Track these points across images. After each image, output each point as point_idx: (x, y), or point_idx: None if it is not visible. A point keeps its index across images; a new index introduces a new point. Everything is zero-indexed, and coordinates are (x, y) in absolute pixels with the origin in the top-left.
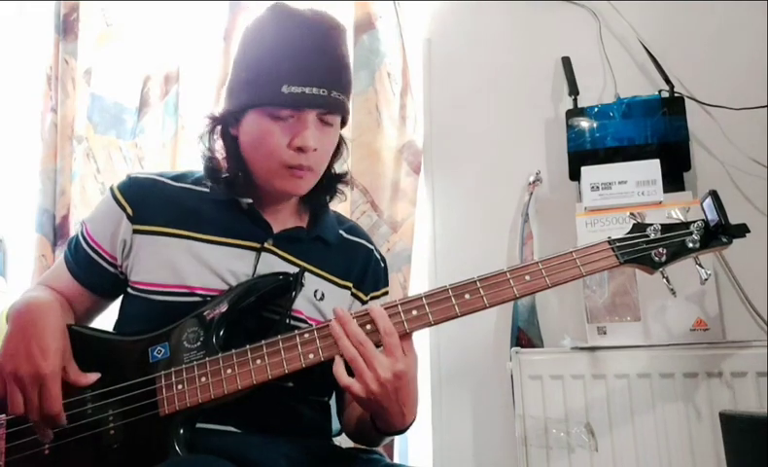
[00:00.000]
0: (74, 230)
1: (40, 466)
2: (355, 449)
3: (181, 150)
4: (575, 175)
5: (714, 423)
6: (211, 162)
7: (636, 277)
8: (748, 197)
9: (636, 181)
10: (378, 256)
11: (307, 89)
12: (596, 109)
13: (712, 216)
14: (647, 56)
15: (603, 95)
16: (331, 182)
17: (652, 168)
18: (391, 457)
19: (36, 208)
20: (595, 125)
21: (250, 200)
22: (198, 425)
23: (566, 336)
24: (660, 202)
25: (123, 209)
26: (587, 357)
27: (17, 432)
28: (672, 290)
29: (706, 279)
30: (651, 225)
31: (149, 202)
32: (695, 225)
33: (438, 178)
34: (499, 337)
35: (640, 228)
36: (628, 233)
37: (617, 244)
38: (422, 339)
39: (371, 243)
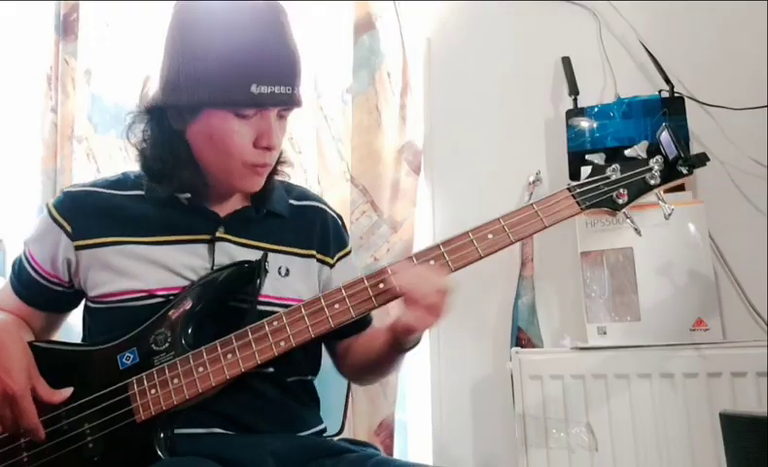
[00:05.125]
0: None
1: None
2: (347, 441)
3: None
4: (575, 175)
5: (714, 423)
6: (148, 159)
7: (636, 277)
8: (748, 196)
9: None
10: (334, 214)
11: (275, 88)
12: (596, 109)
13: (670, 149)
14: (647, 56)
15: (603, 95)
16: (275, 165)
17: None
18: (391, 455)
19: (36, 208)
20: (595, 124)
21: (188, 195)
22: (182, 431)
23: (566, 336)
24: None
25: (62, 227)
26: (587, 357)
27: None
28: (636, 230)
29: (669, 214)
30: (610, 165)
31: (88, 215)
32: (654, 159)
33: (438, 178)
34: (499, 337)
35: (599, 170)
36: (588, 177)
37: (578, 190)
38: (422, 338)
39: (323, 203)
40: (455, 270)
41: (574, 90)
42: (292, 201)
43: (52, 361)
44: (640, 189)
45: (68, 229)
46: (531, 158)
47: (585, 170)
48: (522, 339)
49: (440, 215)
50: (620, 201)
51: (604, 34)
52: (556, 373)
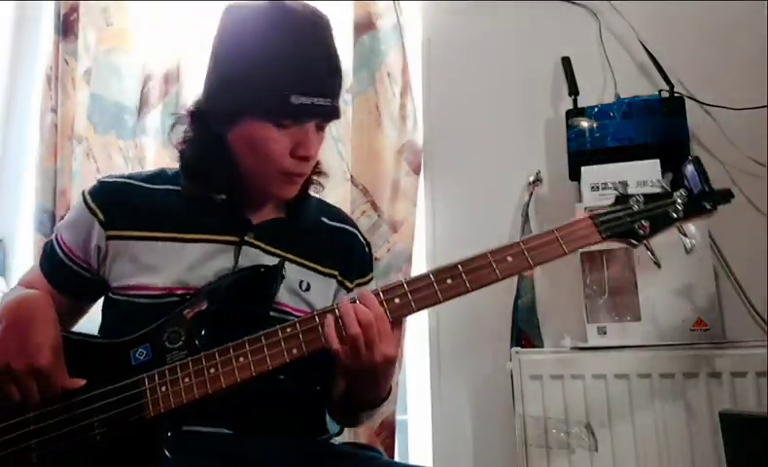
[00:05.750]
0: None
1: None
2: (352, 445)
3: None
4: (575, 175)
5: (714, 423)
6: (188, 159)
7: (636, 277)
8: (748, 196)
9: (636, 181)
10: (363, 241)
11: (315, 100)
12: (596, 109)
13: (694, 183)
14: (647, 56)
15: (603, 95)
16: (310, 175)
17: (652, 168)
18: (391, 457)
19: (36, 208)
20: (595, 124)
21: (224, 196)
22: (190, 428)
23: (566, 336)
24: None
25: (95, 215)
26: (587, 357)
27: (5, 440)
28: (656, 262)
29: (690, 249)
30: (633, 196)
31: (121, 206)
32: (678, 193)
33: (438, 178)
34: (499, 337)
35: (622, 200)
36: (610, 206)
37: (600, 219)
38: (422, 338)
39: (356, 227)
40: (471, 291)
41: (574, 90)
42: (324, 219)
43: (67, 349)
44: (662, 222)
45: (101, 217)
46: (531, 158)
47: (585, 170)
48: (522, 339)
49: (440, 215)
50: (641, 233)
51: (604, 34)
52: (556, 373)
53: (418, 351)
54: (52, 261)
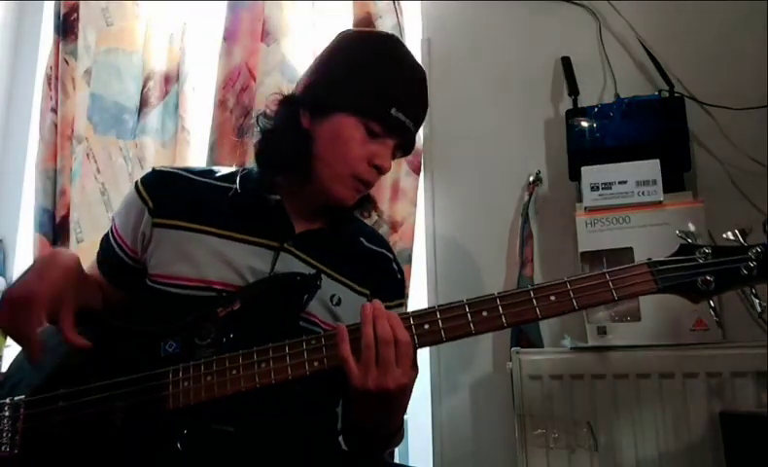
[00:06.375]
0: (73, 229)
1: (50, 447)
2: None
3: (181, 150)
4: (575, 175)
5: (714, 423)
6: (270, 148)
7: None
8: (748, 196)
9: (636, 181)
10: (396, 267)
11: (407, 121)
12: (596, 109)
13: None
14: (647, 56)
15: (603, 95)
16: (364, 198)
17: (652, 168)
18: (391, 457)
19: (36, 208)
20: (595, 124)
21: (278, 197)
22: (200, 424)
23: (566, 336)
24: (660, 202)
25: (145, 202)
26: (587, 357)
27: (35, 414)
28: (719, 323)
29: (761, 313)
30: (701, 247)
31: (170, 196)
32: (754, 250)
33: (438, 178)
34: (499, 337)
35: (687, 250)
36: (673, 255)
37: (659, 268)
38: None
39: (391, 252)
40: (507, 327)
41: (574, 90)
42: (363, 240)
43: (99, 331)
44: (731, 280)
45: (150, 204)
46: (531, 158)
47: (585, 170)
48: (522, 339)
49: (440, 215)
50: (704, 289)
51: (604, 34)
52: (556, 373)
53: (418, 351)
54: (106, 248)
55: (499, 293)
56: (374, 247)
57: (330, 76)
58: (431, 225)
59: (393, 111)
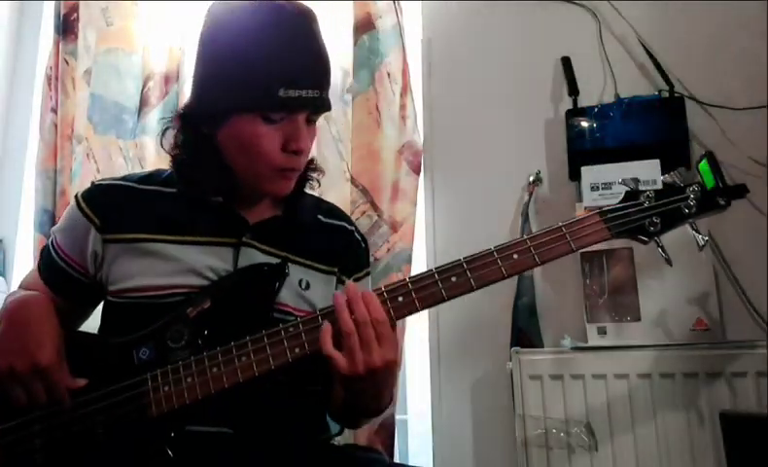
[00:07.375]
0: None
1: None
2: (354, 447)
3: None
4: (575, 175)
5: (714, 423)
6: (181, 164)
7: (636, 277)
8: (748, 196)
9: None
10: (359, 237)
11: (303, 92)
12: (596, 109)
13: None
14: (647, 56)
15: (603, 95)
16: (305, 171)
17: (652, 168)
18: (391, 457)
19: (36, 208)
20: (595, 124)
21: (220, 199)
22: (191, 428)
23: (566, 336)
24: None
25: (91, 220)
26: (587, 357)
27: (9, 441)
28: (667, 259)
29: (703, 246)
30: (645, 192)
31: (117, 210)
32: (691, 188)
33: (438, 178)
34: (499, 337)
35: (633, 196)
36: (620, 203)
37: (609, 215)
38: (422, 338)
39: (352, 224)
40: (476, 289)
41: (574, 90)
42: (320, 217)
43: (70, 347)
44: (674, 218)
45: (97, 222)
46: (531, 158)
47: (585, 170)
48: (522, 339)
49: (440, 215)
50: (652, 230)
51: (604, 34)
52: (556, 373)
53: (418, 351)
54: (48, 264)
55: (464, 258)
56: (334, 221)
57: (211, 78)
58: (431, 225)
59: (281, 92)
